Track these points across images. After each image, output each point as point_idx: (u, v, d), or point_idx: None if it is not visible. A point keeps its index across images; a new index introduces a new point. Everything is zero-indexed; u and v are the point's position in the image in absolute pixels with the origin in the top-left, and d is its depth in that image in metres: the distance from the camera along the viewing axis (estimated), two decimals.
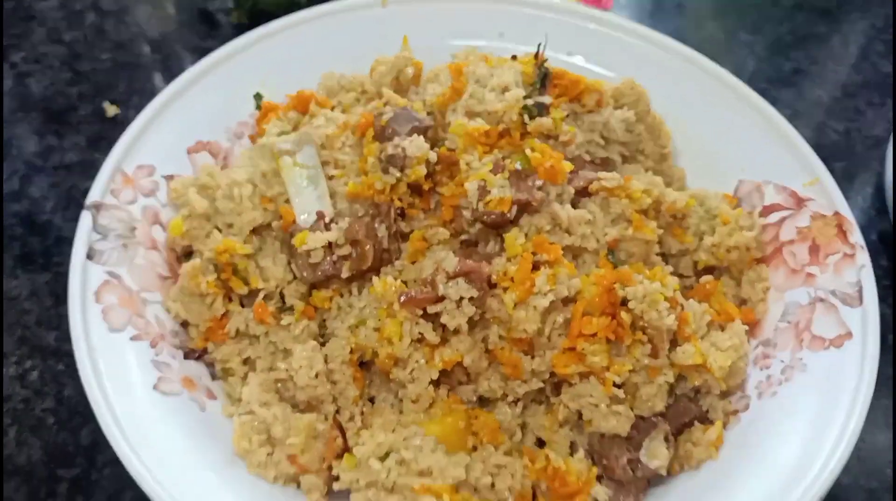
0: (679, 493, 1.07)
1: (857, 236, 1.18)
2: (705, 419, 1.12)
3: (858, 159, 1.61)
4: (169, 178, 1.23)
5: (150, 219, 1.19)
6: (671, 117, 1.35)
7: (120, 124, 1.49)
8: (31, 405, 1.25)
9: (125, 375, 1.03)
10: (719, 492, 1.04)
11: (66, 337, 1.28)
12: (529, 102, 1.18)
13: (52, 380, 1.27)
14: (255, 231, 1.17)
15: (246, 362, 1.14)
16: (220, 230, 1.16)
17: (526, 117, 1.17)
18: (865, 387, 1.04)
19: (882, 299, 1.32)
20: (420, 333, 1.06)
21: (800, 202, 1.24)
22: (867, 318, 1.10)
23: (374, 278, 1.07)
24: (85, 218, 1.14)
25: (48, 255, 1.41)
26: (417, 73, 1.34)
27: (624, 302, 1.08)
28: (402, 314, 1.05)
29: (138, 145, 1.23)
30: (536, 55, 1.25)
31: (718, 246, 1.23)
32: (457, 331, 1.05)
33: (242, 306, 1.15)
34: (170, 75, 1.50)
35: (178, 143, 1.27)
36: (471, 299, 1.03)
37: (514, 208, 1.10)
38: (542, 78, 1.23)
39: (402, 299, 1.03)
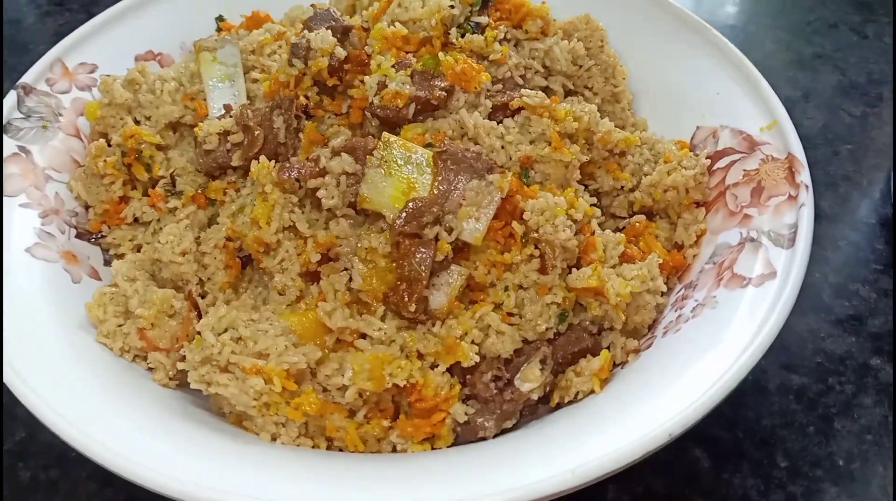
0: (554, 427, 0.95)
1: (804, 177, 1.04)
2: (596, 355, 1.00)
3: (871, 144, 1.45)
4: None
5: (79, 111, 1.21)
6: (634, 62, 1.27)
7: None
8: None
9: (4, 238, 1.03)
10: (594, 429, 0.91)
11: None
12: (459, 16, 1.14)
13: None
14: (175, 128, 1.17)
15: (138, 249, 1.12)
16: (137, 122, 1.16)
17: (454, 33, 1.12)
18: (769, 328, 0.90)
19: (873, 282, 1.24)
20: (292, 221, 1.01)
21: (753, 146, 1.12)
22: (795, 259, 0.96)
23: (253, 162, 1.04)
24: (10, 97, 1.16)
25: None
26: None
27: (520, 216, 1.00)
28: (274, 197, 1.01)
29: (86, 43, 1.26)
30: None
31: (656, 185, 1.12)
32: (333, 213, 1.00)
33: (146, 196, 1.14)
34: None
35: (128, 49, 1.29)
36: (352, 174, 0.98)
37: (413, 106, 1.04)
38: (483, 1, 1.18)
39: (282, 173, 0.99)
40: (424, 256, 0.95)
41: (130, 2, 1.32)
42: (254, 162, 1.03)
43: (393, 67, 1.07)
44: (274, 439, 0.93)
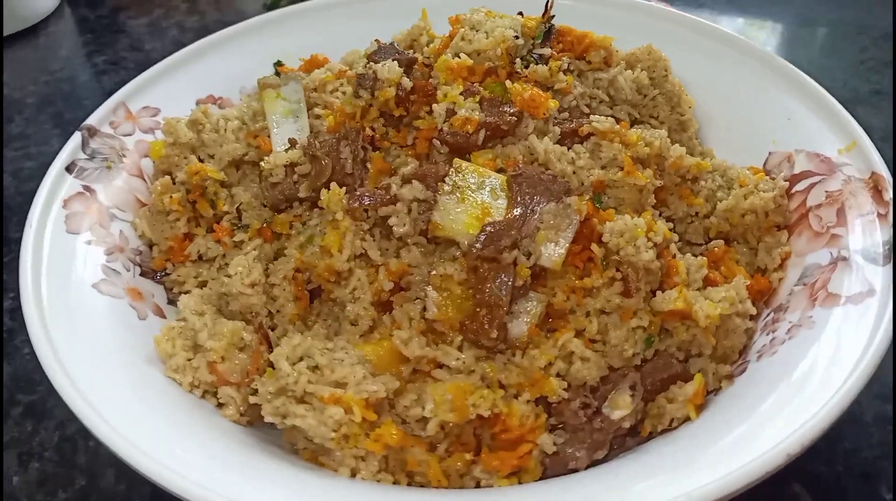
0: (652, 456, 0.89)
1: (891, 194, 1.00)
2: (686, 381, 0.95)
3: None
4: None
5: (142, 152, 1.21)
6: (699, 91, 1.25)
7: None
8: None
9: (66, 270, 1.01)
10: (701, 454, 0.85)
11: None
12: (522, 48, 1.13)
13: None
14: (237, 166, 1.16)
15: (202, 286, 1.10)
16: (200, 161, 1.16)
17: (518, 63, 1.12)
18: (878, 343, 0.85)
19: None
20: (363, 249, 0.98)
21: (832, 168, 1.09)
22: (892, 275, 0.92)
23: (323, 190, 1.02)
24: (75, 138, 1.16)
25: None
26: (431, 41, 1.32)
27: (599, 239, 0.97)
28: (345, 225, 0.98)
29: (149, 88, 1.27)
30: (545, 11, 1.20)
31: (732, 210, 1.09)
32: (405, 241, 0.97)
33: (210, 233, 1.12)
34: None
35: (189, 93, 1.30)
36: (423, 201, 0.96)
37: (482, 132, 1.02)
38: (547, 32, 1.18)
39: (352, 201, 0.97)
40: (504, 280, 0.92)
41: (191, 48, 1.33)
42: (323, 190, 1.01)
43: (461, 94, 1.06)
44: (353, 474, 0.88)
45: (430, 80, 1.12)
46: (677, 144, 1.11)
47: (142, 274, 1.10)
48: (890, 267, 0.93)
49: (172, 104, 1.27)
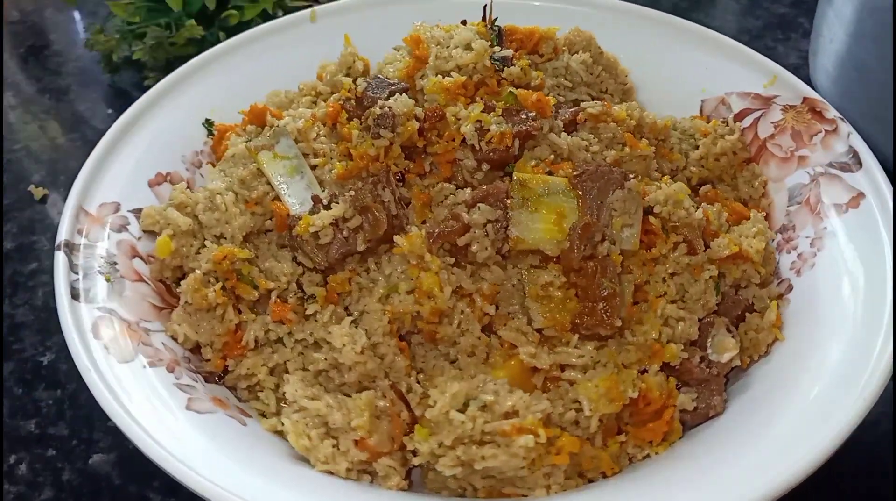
0: (760, 381, 1.02)
1: (832, 112, 1.21)
2: (753, 311, 1.09)
3: None
4: (137, 212, 1.13)
5: (129, 253, 1.09)
6: (625, 63, 1.37)
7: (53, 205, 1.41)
8: (27, 500, 1.08)
9: (153, 400, 0.91)
10: (800, 366, 1.00)
11: (48, 422, 1.15)
12: (495, 56, 1.17)
13: (44, 469, 1.11)
14: (245, 238, 1.09)
15: (273, 371, 1.03)
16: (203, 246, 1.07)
17: (497, 67, 1.16)
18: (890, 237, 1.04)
19: None
20: (458, 283, 1.00)
21: (766, 101, 1.27)
22: (872, 176, 1.12)
23: (397, 238, 1.01)
24: (60, 259, 1.02)
25: (4, 345, 1.25)
26: (366, 68, 1.32)
27: (648, 212, 1.07)
28: (436, 264, 0.98)
29: (96, 184, 1.13)
30: (484, 17, 1.25)
31: (706, 157, 1.23)
32: (486, 265, 1.00)
33: (253, 313, 1.05)
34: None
35: (137, 177, 1.17)
36: (495, 221, 0.99)
37: (517, 142, 1.07)
38: (498, 34, 1.23)
39: (432, 237, 0.97)
40: (612, 271, 0.98)
41: (113, 133, 1.19)
42: (397, 237, 1.00)
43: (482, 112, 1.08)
44: (548, 491, 0.91)
45: (425, 103, 1.13)
46: (647, 111, 1.24)
47: (206, 381, 1.01)
48: (864, 170, 1.13)
49: (127, 193, 1.15)
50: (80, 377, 0.91)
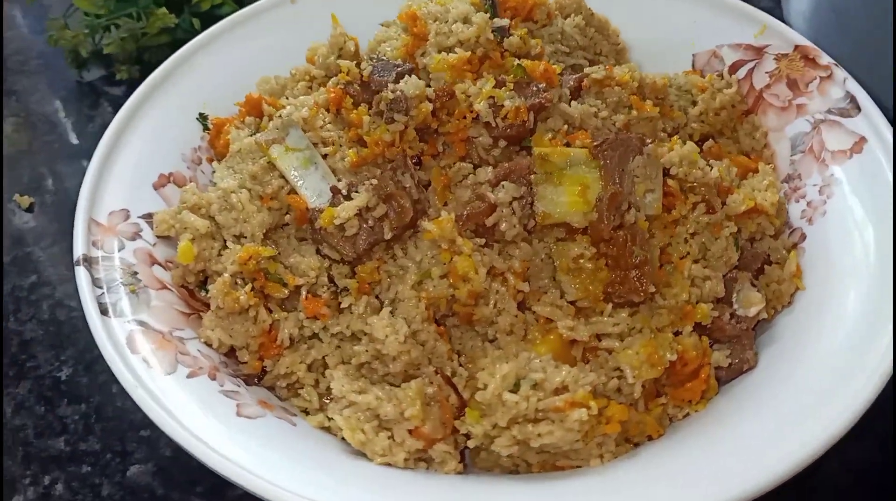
0: (786, 331, 1.06)
1: (825, 58, 1.23)
2: (771, 263, 1.12)
3: None
4: (147, 217, 1.11)
5: (147, 261, 1.07)
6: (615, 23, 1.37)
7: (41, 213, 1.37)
8: None
9: (203, 411, 0.90)
10: (823, 313, 1.03)
11: (77, 438, 1.14)
12: (493, 27, 1.16)
13: (82, 486, 1.10)
14: (265, 235, 1.07)
15: (311, 367, 1.03)
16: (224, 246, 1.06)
17: (497, 39, 1.15)
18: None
19: None
20: (491, 263, 1.00)
21: (759, 51, 1.29)
22: (872, 120, 1.15)
23: (426, 224, 1.00)
24: (82, 275, 0.99)
25: (18, 364, 1.22)
26: (357, 48, 1.29)
27: (665, 174, 1.08)
28: (468, 246, 0.99)
29: (100, 193, 1.10)
30: None
31: (706, 112, 1.25)
32: (514, 242, 1.01)
33: (284, 311, 1.04)
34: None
35: (140, 181, 1.15)
36: (521, 198, 0.99)
37: (531, 115, 1.06)
38: (492, 5, 1.21)
39: (461, 220, 0.98)
40: (641, 238, 1.00)
41: (108, 139, 1.15)
42: (425, 222, 1.00)
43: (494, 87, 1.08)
44: (602, 460, 0.94)
45: (432, 82, 1.12)
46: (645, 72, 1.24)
47: (246, 384, 1.00)
48: (863, 115, 1.16)
49: (134, 199, 1.12)
50: (104, 389, 0.90)
